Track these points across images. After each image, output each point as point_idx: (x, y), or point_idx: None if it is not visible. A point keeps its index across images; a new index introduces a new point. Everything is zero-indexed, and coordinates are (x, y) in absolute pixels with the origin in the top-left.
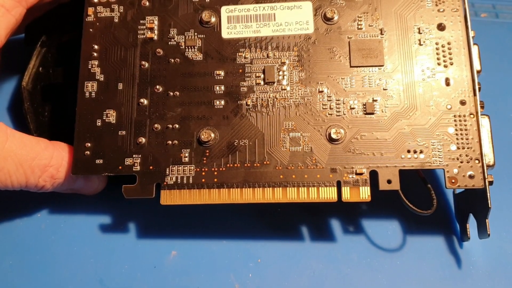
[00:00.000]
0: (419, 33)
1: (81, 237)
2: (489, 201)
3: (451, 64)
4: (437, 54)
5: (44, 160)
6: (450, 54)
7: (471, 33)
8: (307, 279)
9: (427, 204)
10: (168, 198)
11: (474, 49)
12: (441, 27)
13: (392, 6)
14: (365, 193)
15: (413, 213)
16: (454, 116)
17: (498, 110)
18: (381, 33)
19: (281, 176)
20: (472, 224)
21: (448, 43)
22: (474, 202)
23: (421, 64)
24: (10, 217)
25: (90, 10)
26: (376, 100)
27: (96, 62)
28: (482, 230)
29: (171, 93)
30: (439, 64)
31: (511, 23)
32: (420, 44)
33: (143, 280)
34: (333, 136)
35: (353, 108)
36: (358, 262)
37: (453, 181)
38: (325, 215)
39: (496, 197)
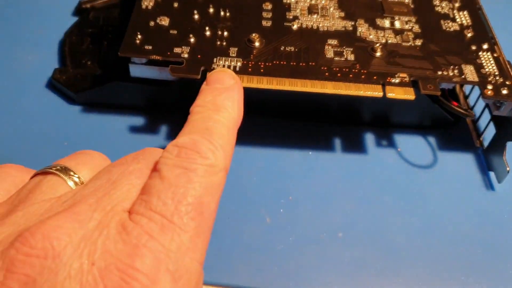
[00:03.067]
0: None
1: None
2: None
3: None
4: (459, 13)
5: None
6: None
7: None
8: (339, 217)
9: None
10: None
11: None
12: None
13: None
14: (409, 92)
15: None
16: (481, 52)
17: None
18: None
19: (327, 74)
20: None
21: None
22: (509, 132)
23: (445, 18)
24: None
25: None
26: (409, 34)
27: None
28: None
29: (222, 12)
30: (461, 21)
31: None
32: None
33: None
34: (375, 49)
35: (390, 38)
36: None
37: (489, 92)
38: (359, 152)
39: None
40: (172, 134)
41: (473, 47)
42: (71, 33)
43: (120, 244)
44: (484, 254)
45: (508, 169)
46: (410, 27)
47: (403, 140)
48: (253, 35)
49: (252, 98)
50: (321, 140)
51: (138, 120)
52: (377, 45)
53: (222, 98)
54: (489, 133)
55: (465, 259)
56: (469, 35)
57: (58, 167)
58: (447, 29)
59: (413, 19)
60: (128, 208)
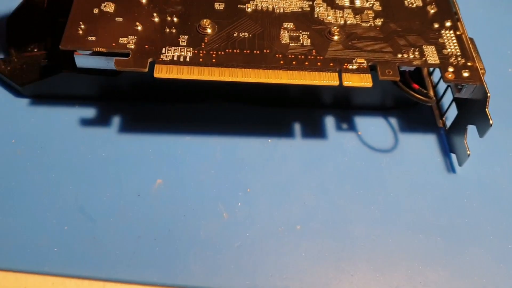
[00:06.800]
0: None
1: (59, 164)
2: (486, 90)
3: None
4: None
5: None
6: None
7: None
8: (298, 208)
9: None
10: (163, 71)
11: None
12: None
13: None
14: (366, 79)
15: (405, 118)
16: (444, 30)
17: None
18: None
19: (282, 62)
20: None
21: None
22: (469, 115)
23: None
24: None
25: None
26: (369, 13)
27: None
28: (483, 123)
29: None
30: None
31: None
32: None
33: (126, 208)
34: (333, 32)
35: (349, 18)
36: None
37: (450, 75)
38: (319, 137)
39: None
40: (127, 125)
41: (436, 25)
42: (15, 17)
43: None
44: (442, 241)
45: (468, 152)
46: (370, 5)
47: (364, 122)
48: (204, 21)
49: (207, 82)
50: (280, 125)
51: (91, 112)
52: (335, 27)
53: None
54: (452, 113)
55: (423, 247)
56: (432, 11)
57: None
58: (410, 5)
59: None
60: None
